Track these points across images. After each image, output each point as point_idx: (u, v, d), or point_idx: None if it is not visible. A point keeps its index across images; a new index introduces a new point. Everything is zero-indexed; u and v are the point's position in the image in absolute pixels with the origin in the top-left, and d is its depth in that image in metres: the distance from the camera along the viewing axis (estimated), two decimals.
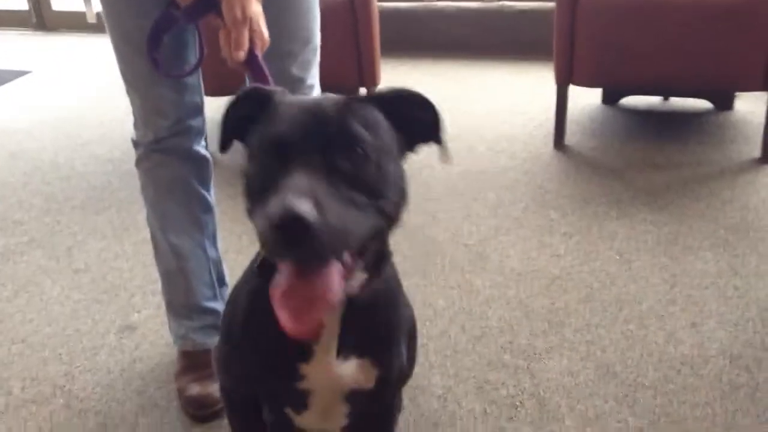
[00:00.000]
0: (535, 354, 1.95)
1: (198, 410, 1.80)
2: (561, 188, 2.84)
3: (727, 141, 3.20)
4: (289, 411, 1.29)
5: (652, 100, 3.65)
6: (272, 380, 1.20)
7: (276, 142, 0.95)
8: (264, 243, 0.88)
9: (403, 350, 1.24)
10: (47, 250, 2.61)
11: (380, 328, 1.18)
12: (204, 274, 1.90)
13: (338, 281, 0.93)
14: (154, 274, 2.45)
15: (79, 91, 4.35)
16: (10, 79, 4.62)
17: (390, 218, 1.00)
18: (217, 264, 1.95)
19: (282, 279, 0.93)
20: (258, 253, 1.16)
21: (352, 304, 1.08)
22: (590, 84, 3.15)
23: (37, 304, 2.30)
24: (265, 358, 1.16)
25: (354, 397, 1.21)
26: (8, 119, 3.97)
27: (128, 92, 1.74)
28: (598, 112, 3.56)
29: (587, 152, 3.15)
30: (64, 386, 1.94)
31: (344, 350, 1.14)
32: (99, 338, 2.13)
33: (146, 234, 2.81)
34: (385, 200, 0.97)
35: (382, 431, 1.41)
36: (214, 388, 1.82)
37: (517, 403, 1.78)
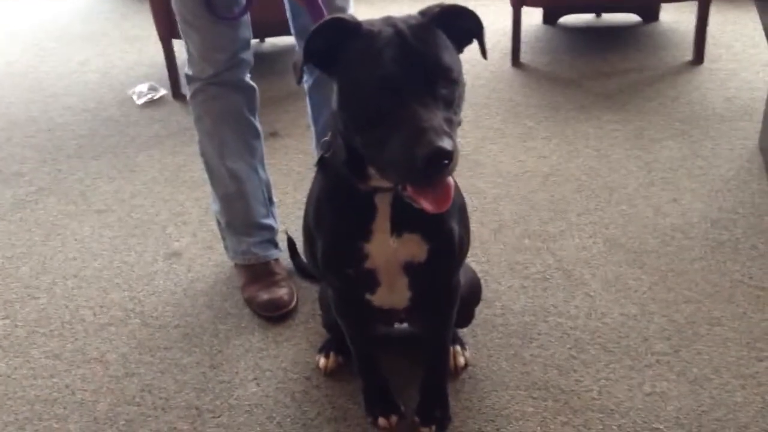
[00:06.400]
0: (549, 237, 2.26)
1: (273, 312, 2.01)
2: (528, 100, 3.14)
3: (659, 48, 3.57)
4: (366, 294, 1.49)
5: (586, 18, 3.98)
6: (347, 263, 1.41)
7: (387, 81, 1.13)
8: (405, 173, 1.11)
9: (454, 225, 1.41)
10: (60, 197, 2.71)
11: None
12: (258, 194, 2.10)
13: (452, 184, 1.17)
14: (177, 207, 2.62)
15: (13, 49, 4.29)
16: None
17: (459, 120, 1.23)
18: (267, 185, 2.14)
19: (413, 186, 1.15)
20: (320, 157, 1.38)
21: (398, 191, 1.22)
22: (541, 4, 3.45)
23: (73, 244, 2.42)
24: (338, 242, 1.40)
25: (412, 269, 1.42)
26: None
27: (185, 32, 1.90)
28: (542, 32, 3.86)
29: (542, 67, 3.46)
30: (134, 309, 2.11)
31: (397, 228, 1.36)
32: (149, 266, 2.29)
33: (154, 173, 2.95)
34: (460, 108, 1.21)
35: (443, 312, 1.60)
36: (282, 293, 2.05)
37: (547, 276, 2.09)
